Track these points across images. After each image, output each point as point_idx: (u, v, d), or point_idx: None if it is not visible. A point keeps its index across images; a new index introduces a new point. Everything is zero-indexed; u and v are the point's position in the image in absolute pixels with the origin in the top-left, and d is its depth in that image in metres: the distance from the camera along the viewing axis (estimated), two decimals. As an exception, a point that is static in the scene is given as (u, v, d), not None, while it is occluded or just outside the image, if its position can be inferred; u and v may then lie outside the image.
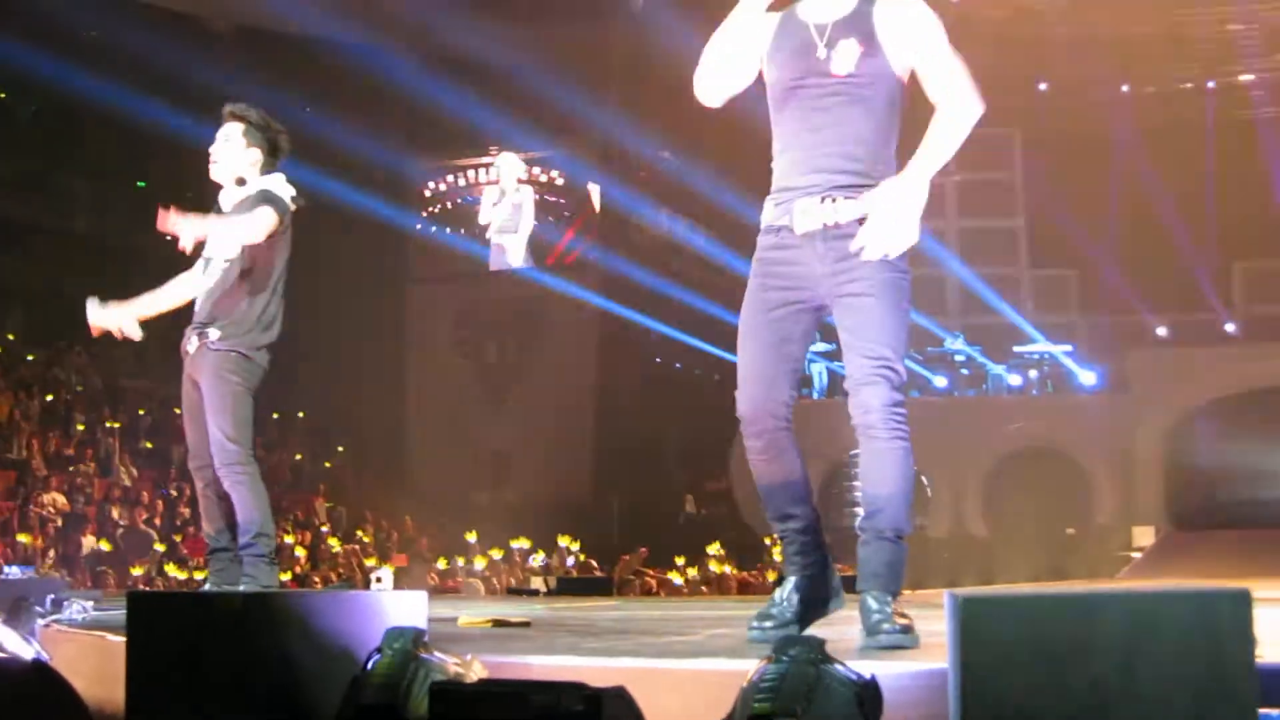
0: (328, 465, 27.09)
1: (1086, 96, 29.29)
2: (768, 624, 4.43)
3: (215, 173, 6.96)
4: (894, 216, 4.32)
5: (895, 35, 4.50)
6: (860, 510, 4.58)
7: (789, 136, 4.58)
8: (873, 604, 4.32)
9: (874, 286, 4.42)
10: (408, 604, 3.76)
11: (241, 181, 6.89)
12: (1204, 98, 29.18)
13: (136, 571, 17.58)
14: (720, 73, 4.76)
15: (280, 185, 6.88)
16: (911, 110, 4.66)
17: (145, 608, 3.67)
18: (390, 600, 3.77)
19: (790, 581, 4.55)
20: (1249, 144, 27.90)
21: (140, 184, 29.23)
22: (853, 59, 4.46)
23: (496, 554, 20.09)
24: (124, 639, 3.91)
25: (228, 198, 6.91)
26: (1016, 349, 28.64)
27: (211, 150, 6.97)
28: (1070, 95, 29.28)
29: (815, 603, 4.57)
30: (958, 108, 4.51)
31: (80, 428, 22.62)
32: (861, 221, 4.35)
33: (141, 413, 24.62)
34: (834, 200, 4.44)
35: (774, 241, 4.56)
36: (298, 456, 26.06)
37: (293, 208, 6.85)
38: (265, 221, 6.68)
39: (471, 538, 20.93)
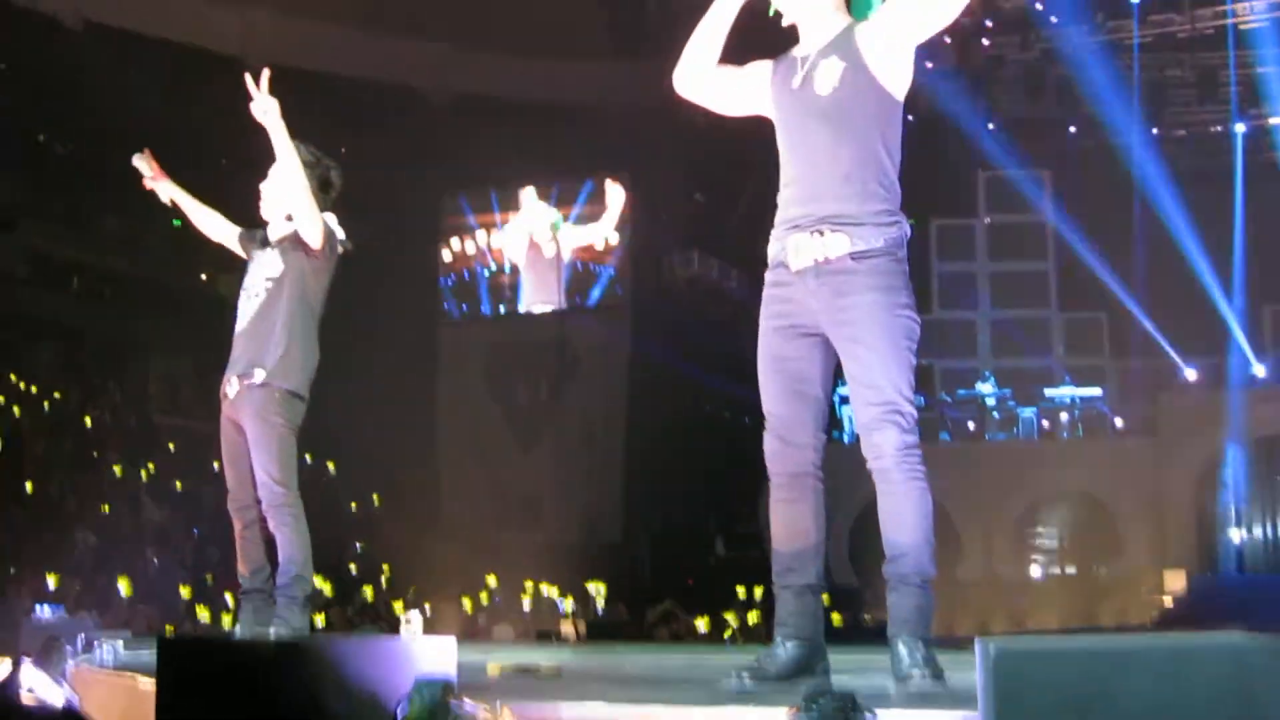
0: (355, 506, 27.09)
1: (1116, 139, 29.25)
2: (747, 676, 4.32)
3: (265, 210, 6.85)
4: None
5: (878, 45, 4.42)
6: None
7: (788, 169, 4.53)
8: (903, 650, 4.23)
9: (874, 327, 4.32)
10: (437, 650, 3.74)
11: (290, 217, 6.78)
12: (1233, 141, 29.12)
13: (169, 629, 17.55)
14: (692, 57, 4.80)
15: (331, 224, 6.80)
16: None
17: (176, 653, 3.67)
18: (420, 646, 3.76)
19: (780, 640, 4.44)
20: (1278, 187, 27.84)
21: (175, 223, 29.40)
22: (835, 76, 4.40)
23: (526, 598, 20.09)
24: (154, 682, 3.91)
25: (275, 231, 6.82)
26: (1047, 392, 28.56)
27: (261, 187, 6.92)
28: (1100, 137, 29.25)
29: (803, 664, 4.43)
30: None
31: (117, 469, 22.69)
32: (854, 256, 4.31)
33: (172, 447, 24.67)
34: (822, 234, 4.35)
35: (775, 278, 4.52)
36: (328, 497, 26.11)
37: (340, 250, 6.80)
38: (318, 224, 6.58)
39: (492, 580, 20.94)
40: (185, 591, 19.10)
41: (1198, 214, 27.44)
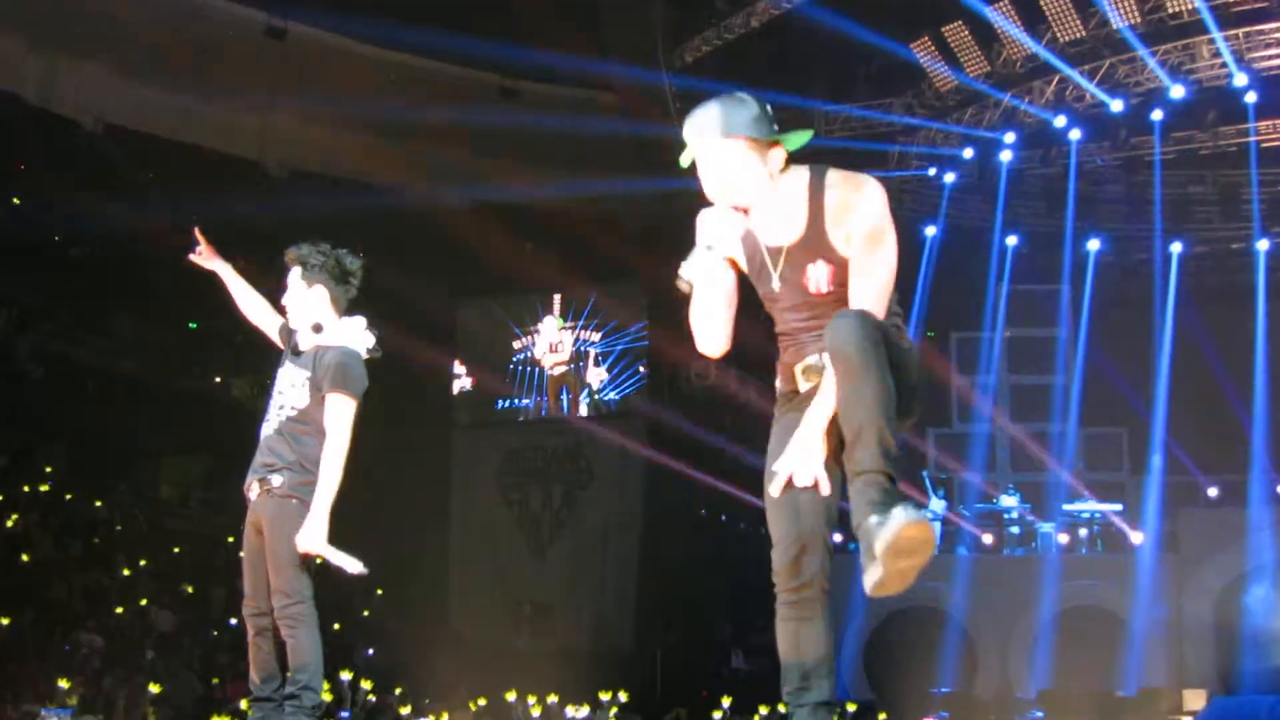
0: (366, 613, 26.90)
1: (1137, 254, 29.31)
2: None
3: (292, 321, 6.90)
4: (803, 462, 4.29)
5: (847, 233, 4.38)
6: None
7: (784, 329, 4.60)
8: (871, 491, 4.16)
9: None
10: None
11: (318, 328, 6.79)
12: (1255, 258, 29.14)
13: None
14: (705, 333, 4.79)
15: (359, 336, 6.79)
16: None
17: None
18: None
19: None
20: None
21: (192, 325, 29.46)
22: (823, 280, 4.41)
23: (536, 711, 19.86)
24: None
25: (305, 339, 6.82)
26: (1066, 507, 28.39)
27: (284, 301, 6.93)
28: (1122, 253, 29.34)
29: None
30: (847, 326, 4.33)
31: (125, 571, 22.55)
32: None
33: (177, 551, 24.54)
34: None
35: (783, 407, 4.55)
36: (336, 602, 25.96)
37: (365, 356, 6.80)
38: (347, 421, 6.61)
39: (511, 697, 20.74)
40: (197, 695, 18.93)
41: (1219, 331, 27.46)
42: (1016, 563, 27.71)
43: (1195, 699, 24.59)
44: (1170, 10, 23.35)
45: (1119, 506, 28.27)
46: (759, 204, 4.46)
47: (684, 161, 4.48)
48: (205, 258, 7.30)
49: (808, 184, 4.45)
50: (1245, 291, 28.53)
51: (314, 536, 6.48)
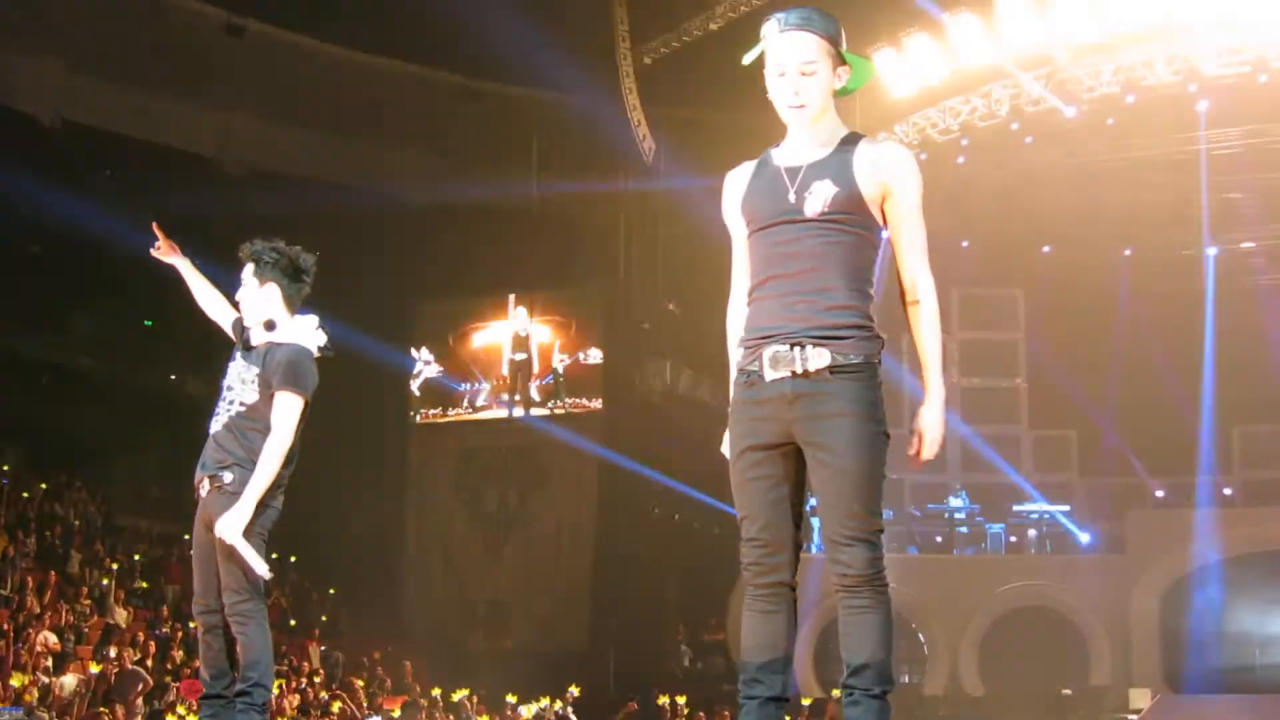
0: (325, 617, 26.89)
1: (1089, 261, 29.54)
2: None
3: (245, 318, 6.90)
4: (936, 433, 4.51)
5: (874, 176, 4.44)
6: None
7: (762, 280, 4.50)
8: None
9: (849, 447, 4.34)
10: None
11: (270, 325, 6.78)
12: (1205, 264, 29.43)
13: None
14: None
15: (310, 335, 6.78)
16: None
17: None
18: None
19: None
20: (1248, 310, 28.14)
21: (148, 322, 29.39)
22: (825, 199, 4.40)
23: (491, 705, 19.97)
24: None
25: (257, 335, 6.81)
26: (1015, 508, 28.66)
27: (237, 297, 6.91)
28: (1073, 259, 29.54)
29: None
30: (933, 307, 4.57)
31: (76, 567, 22.51)
32: (832, 370, 4.33)
33: (137, 557, 24.50)
34: (803, 347, 4.35)
35: (747, 389, 4.48)
36: (291, 598, 25.94)
37: (317, 354, 6.79)
38: (292, 419, 6.63)
39: (459, 686, 20.85)
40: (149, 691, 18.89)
41: (1168, 335, 27.72)
42: (966, 562, 27.95)
43: (1141, 697, 24.87)
44: (1126, 19, 23.59)
45: (1067, 507, 28.56)
46: (805, 117, 4.53)
47: (748, 58, 4.55)
48: (164, 252, 7.28)
49: (845, 131, 4.57)
50: (1194, 297, 28.81)
51: (235, 527, 6.42)
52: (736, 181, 4.63)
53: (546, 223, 29.57)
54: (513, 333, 30.79)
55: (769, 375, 4.39)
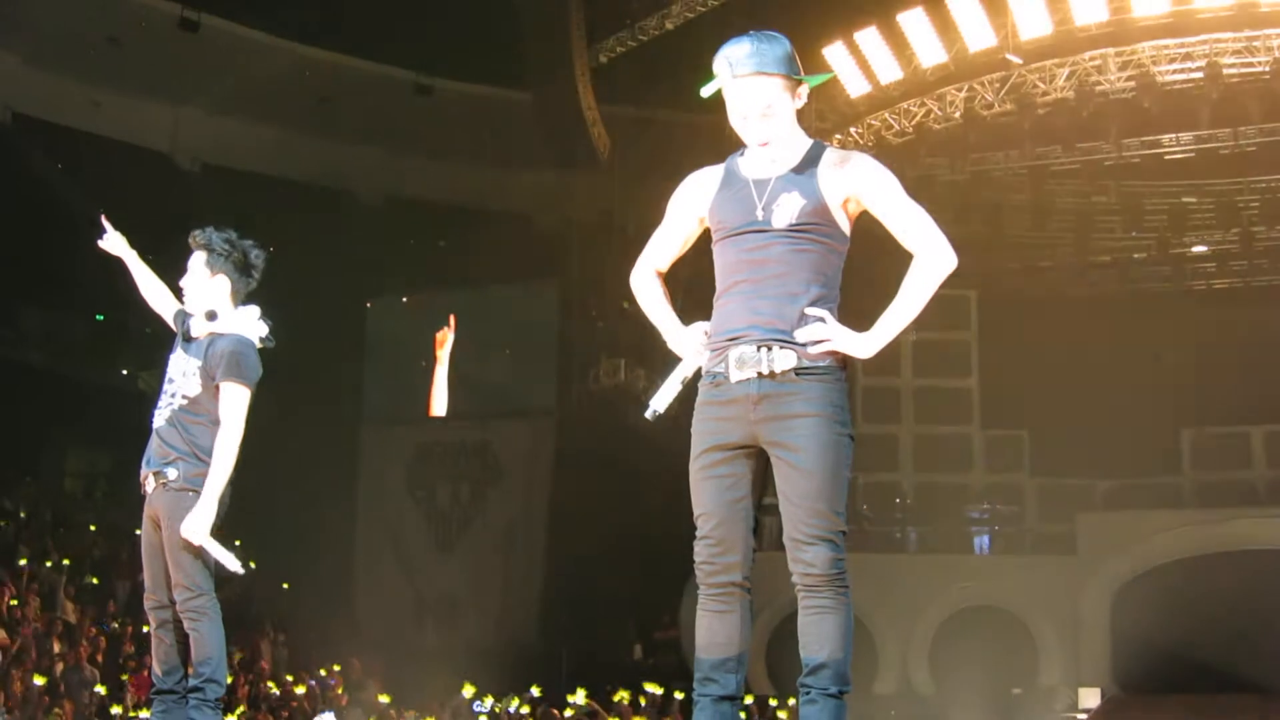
0: (270, 602, 26.76)
1: (1042, 261, 29.72)
2: None
3: (189, 306, 6.83)
4: (831, 338, 4.43)
5: (840, 187, 4.50)
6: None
7: (728, 280, 4.55)
8: None
9: (814, 448, 4.39)
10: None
11: (212, 315, 6.72)
12: (1157, 267, 29.68)
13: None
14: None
15: (252, 325, 6.74)
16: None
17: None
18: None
19: None
20: (1200, 313, 28.37)
21: (99, 317, 29.24)
22: (793, 212, 4.45)
23: (444, 701, 19.95)
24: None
25: (198, 325, 6.76)
26: (966, 508, 28.78)
27: (182, 283, 6.86)
28: (1026, 260, 29.71)
29: None
30: (935, 260, 4.58)
31: (23, 560, 22.36)
32: (798, 372, 4.38)
33: (82, 543, 24.36)
34: (769, 349, 4.40)
35: (711, 389, 4.52)
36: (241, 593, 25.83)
37: (259, 345, 6.75)
38: (241, 410, 6.58)
39: (408, 682, 20.86)
40: (101, 689, 18.77)
41: (1120, 337, 27.90)
42: (917, 562, 28.05)
43: (1090, 697, 25.03)
44: (1078, 23, 23.77)
45: (1018, 508, 28.71)
46: (774, 141, 4.56)
47: (706, 92, 4.59)
48: (112, 243, 7.23)
49: (810, 143, 4.61)
50: (1146, 299, 29.04)
51: (199, 527, 6.40)
52: (703, 185, 4.68)
53: (500, 219, 29.53)
54: (465, 330, 30.71)
55: (735, 376, 4.43)
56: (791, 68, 4.54)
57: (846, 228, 4.56)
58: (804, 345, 4.40)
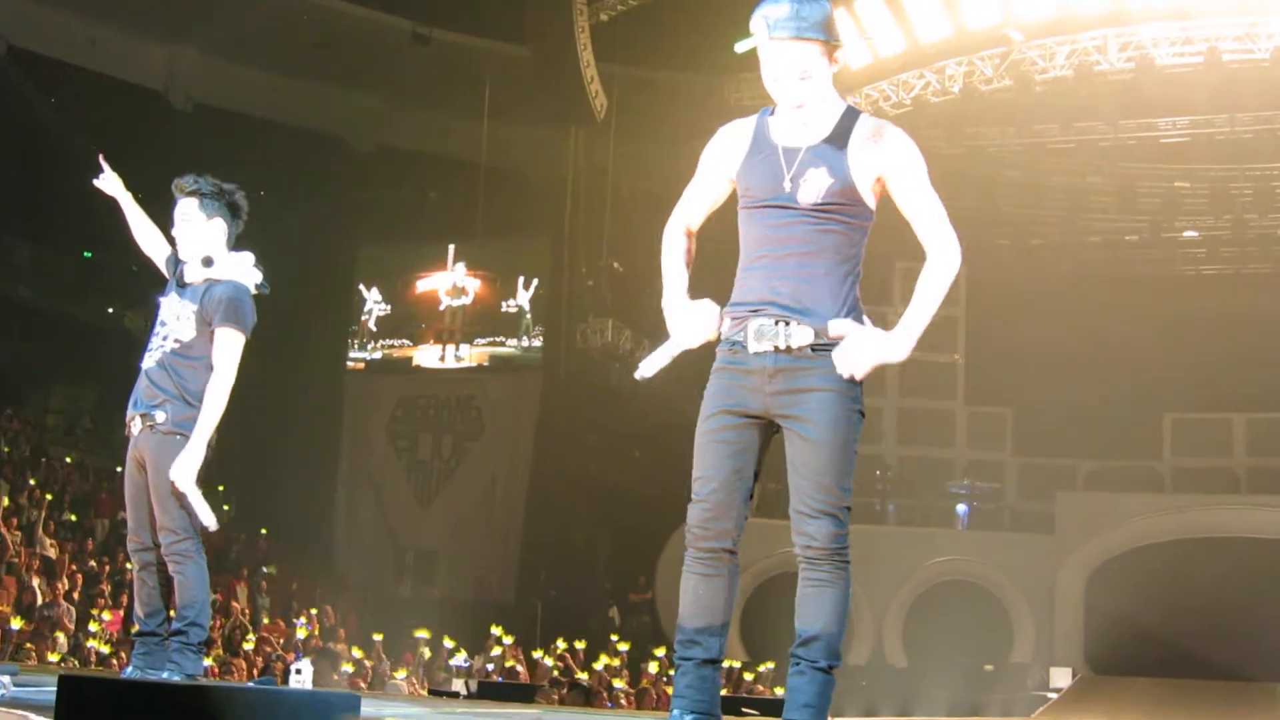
0: (249, 548, 26.77)
1: (1033, 240, 29.73)
2: None
3: (182, 253, 6.80)
4: (868, 358, 4.44)
5: (869, 166, 4.48)
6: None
7: (752, 254, 4.55)
8: None
9: (826, 421, 4.42)
10: (341, 705, 3.74)
11: (209, 261, 6.71)
12: (1148, 250, 29.70)
13: (54, 657, 17.22)
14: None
15: (248, 272, 6.73)
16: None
17: (77, 692, 3.62)
18: (326, 701, 3.75)
19: (679, 713, 4.49)
20: (1188, 299, 28.40)
21: (86, 255, 29.15)
22: (820, 190, 4.44)
23: (418, 653, 19.95)
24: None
25: (193, 271, 6.74)
26: (947, 483, 28.85)
27: (174, 232, 6.81)
28: (1018, 237, 29.71)
29: None
30: (945, 262, 4.58)
31: (6, 500, 22.32)
32: (814, 348, 4.40)
33: (62, 479, 24.32)
34: (788, 324, 4.43)
35: (729, 355, 4.53)
36: (221, 538, 25.80)
37: (254, 292, 6.74)
38: (235, 356, 6.58)
39: (385, 634, 20.86)
40: (68, 628, 18.75)
41: (1107, 319, 27.93)
42: (895, 535, 28.13)
43: (1061, 676, 25.12)
44: (1080, 3, 23.73)
45: (998, 484, 28.79)
46: (808, 103, 4.53)
47: (741, 48, 4.61)
48: (108, 184, 7.20)
49: (843, 108, 4.58)
50: (1135, 282, 29.07)
51: (188, 471, 6.41)
52: (734, 142, 4.64)
53: (494, 174, 29.45)
54: (451, 282, 30.70)
55: (753, 347, 4.46)
56: (831, 34, 4.50)
57: (873, 204, 4.56)
58: (820, 318, 4.43)
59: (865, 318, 4.55)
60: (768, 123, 4.61)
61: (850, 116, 4.55)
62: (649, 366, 4.65)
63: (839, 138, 4.50)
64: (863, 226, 4.55)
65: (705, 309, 4.58)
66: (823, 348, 4.43)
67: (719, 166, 4.66)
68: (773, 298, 4.47)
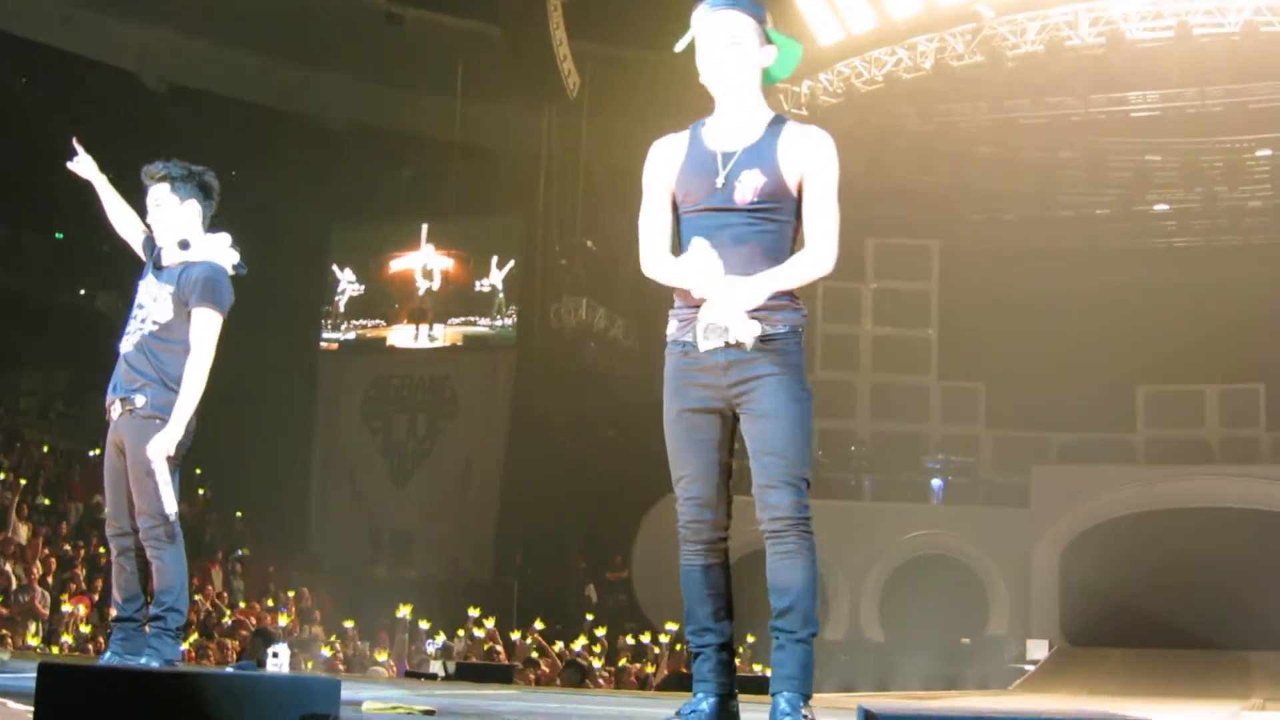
0: (224, 531, 26.75)
1: (1005, 214, 29.80)
2: None
3: (159, 238, 6.81)
4: (726, 307, 4.52)
5: (796, 165, 4.68)
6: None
7: (689, 238, 4.71)
8: (784, 705, 4.54)
9: (779, 403, 4.60)
10: (321, 690, 3.74)
11: (185, 244, 6.71)
12: (1119, 223, 29.80)
13: (32, 640, 17.20)
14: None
15: (225, 253, 6.74)
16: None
17: (56, 679, 3.61)
18: (304, 686, 3.75)
19: (703, 695, 4.68)
20: (1159, 272, 28.52)
21: (58, 235, 29.03)
22: (753, 189, 4.63)
23: (395, 635, 19.97)
24: (28, 709, 3.86)
25: (170, 254, 6.74)
26: (921, 457, 28.94)
27: (148, 219, 6.84)
28: (990, 212, 29.78)
29: (725, 717, 4.69)
30: (820, 258, 4.69)
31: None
32: (763, 340, 4.55)
33: (34, 462, 24.26)
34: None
35: (680, 357, 4.72)
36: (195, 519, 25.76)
37: (231, 273, 6.75)
38: (212, 337, 6.59)
39: (362, 615, 20.87)
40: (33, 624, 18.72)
41: (1080, 292, 28.03)
42: (869, 510, 28.23)
43: (1038, 648, 25.24)
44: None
45: (972, 458, 28.88)
46: (733, 91, 4.76)
47: (681, 44, 4.77)
48: (83, 167, 7.19)
49: (772, 115, 4.80)
50: (1106, 255, 29.17)
51: (165, 448, 6.43)
52: (669, 154, 4.83)
53: (467, 152, 29.39)
54: (427, 261, 30.68)
55: (703, 346, 4.62)
56: (762, 18, 4.78)
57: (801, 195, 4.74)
58: (767, 311, 4.57)
59: (802, 306, 4.73)
60: (701, 132, 4.82)
61: (779, 122, 4.79)
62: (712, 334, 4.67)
63: (770, 140, 4.72)
64: (794, 225, 4.73)
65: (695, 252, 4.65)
66: (770, 339, 4.59)
67: (660, 178, 4.83)
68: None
